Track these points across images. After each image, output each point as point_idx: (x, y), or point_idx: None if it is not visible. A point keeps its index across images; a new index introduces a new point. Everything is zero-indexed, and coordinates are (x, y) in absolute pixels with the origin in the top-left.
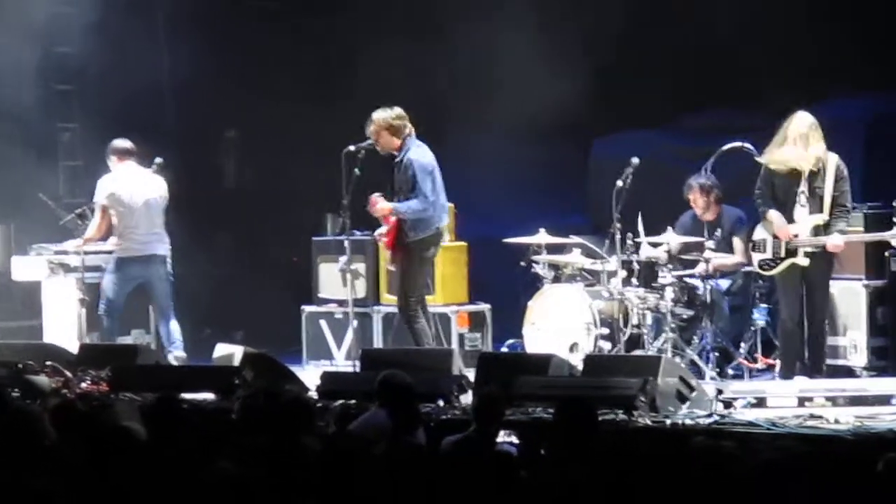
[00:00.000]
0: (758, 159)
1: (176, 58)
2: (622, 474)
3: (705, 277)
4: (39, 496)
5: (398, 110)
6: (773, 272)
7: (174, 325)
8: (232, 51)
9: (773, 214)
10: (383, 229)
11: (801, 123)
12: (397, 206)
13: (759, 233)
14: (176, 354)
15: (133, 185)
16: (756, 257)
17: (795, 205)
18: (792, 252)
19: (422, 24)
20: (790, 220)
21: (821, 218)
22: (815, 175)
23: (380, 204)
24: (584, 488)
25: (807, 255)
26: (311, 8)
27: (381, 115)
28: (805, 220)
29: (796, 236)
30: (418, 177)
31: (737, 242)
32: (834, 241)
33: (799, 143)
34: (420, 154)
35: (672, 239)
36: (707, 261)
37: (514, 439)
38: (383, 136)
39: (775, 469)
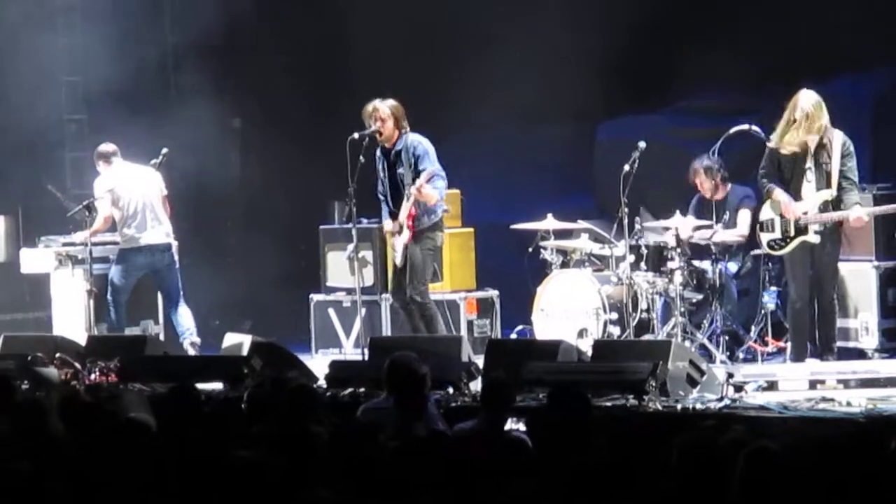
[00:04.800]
0: (770, 146)
1: (181, 49)
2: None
3: (714, 259)
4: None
5: (397, 103)
6: (783, 251)
7: (184, 311)
8: (236, 41)
9: (779, 193)
10: (389, 225)
11: (807, 102)
12: (435, 191)
13: (766, 212)
14: (192, 341)
15: (127, 179)
16: (765, 237)
17: (802, 181)
18: (802, 230)
19: (427, 9)
20: (797, 197)
21: (829, 193)
22: (821, 151)
23: (426, 188)
24: (595, 474)
25: (817, 232)
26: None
27: (390, 103)
28: (813, 196)
29: (805, 213)
30: (429, 155)
31: (742, 215)
32: (857, 214)
33: (804, 123)
34: (420, 137)
35: (681, 223)
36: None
37: (522, 426)
38: (389, 123)
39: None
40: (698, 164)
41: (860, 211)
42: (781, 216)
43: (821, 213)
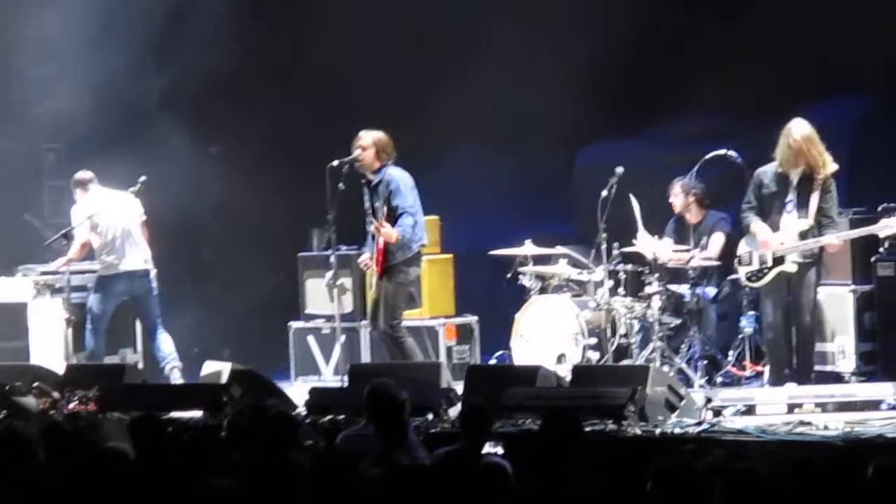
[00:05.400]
0: (760, 171)
1: (160, 77)
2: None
3: (692, 284)
4: None
5: (385, 135)
6: (761, 283)
7: (164, 338)
8: (215, 67)
9: (757, 226)
10: (366, 257)
11: (798, 130)
12: (398, 231)
13: (743, 247)
14: (174, 365)
15: (105, 205)
16: (743, 271)
17: (783, 212)
18: (779, 260)
19: (406, 38)
20: (775, 227)
21: (806, 223)
22: (805, 184)
23: (386, 227)
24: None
25: (794, 262)
26: (299, 25)
27: (375, 134)
28: (791, 226)
29: (782, 244)
30: (401, 191)
31: (714, 238)
32: (829, 240)
33: (795, 149)
34: (400, 172)
35: (658, 246)
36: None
37: (500, 450)
38: (370, 153)
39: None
40: (678, 180)
41: (832, 238)
42: (758, 248)
43: (799, 242)
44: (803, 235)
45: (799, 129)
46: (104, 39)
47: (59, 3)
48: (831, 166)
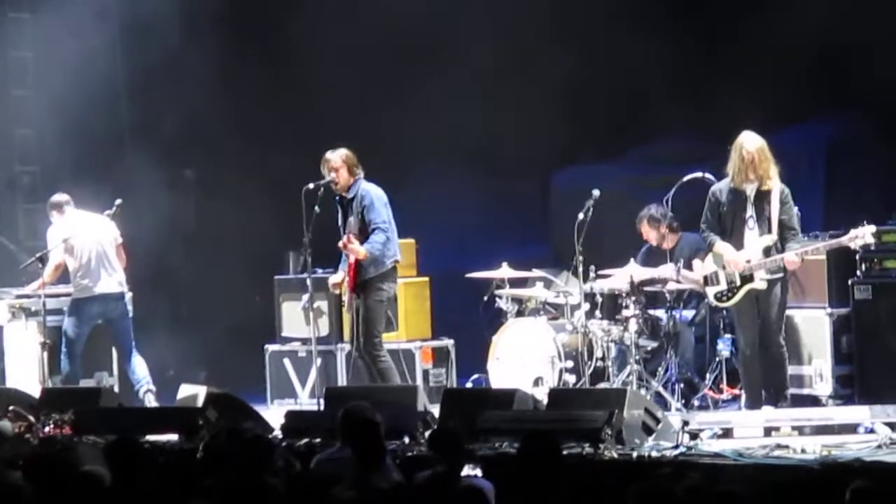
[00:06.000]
0: (714, 188)
1: (134, 99)
2: None
3: (669, 307)
4: None
5: (349, 151)
6: (731, 302)
7: (138, 361)
8: (190, 92)
9: (721, 246)
10: (337, 277)
11: (750, 143)
12: (367, 248)
13: (709, 266)
14: (148, 388)
15: (80, 228)
16: (711, 291)
17: (744, 229)
18: (748, 278)
19: (382, 59)
20: (739, 246)
21: (770, 239)
22: (761, 199)
23: (353, 244)
24: None
25: (763, 278)
26: (270, 46)
27: (341, 153)
28: (755, 243)
29: (748, 261)
30: (375, 206)
31: (697, 264)
32: (790, 258)
33: (750, 163)
34: (373, 187)
35: (634, 271)
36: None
37: (479, 472)
38: (343, 172)
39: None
40: (644, 213)
41: (792, 255)
42: (724, 268)
43: (764, 258)
44: (767, 251)
45: (751, 141)
46: (81, 63)
47: (38, 26)
48: (775, 181)
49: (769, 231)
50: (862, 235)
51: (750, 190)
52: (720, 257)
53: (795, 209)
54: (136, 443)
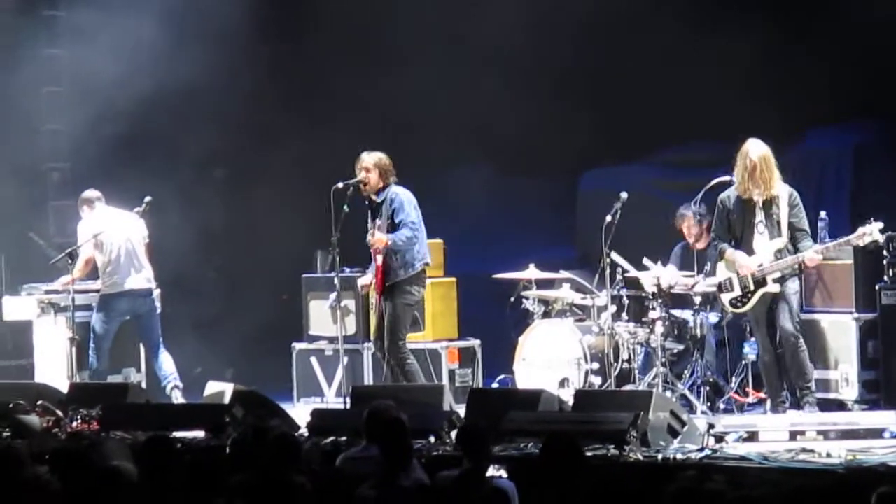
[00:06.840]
0: (722, 195)
1: (165, 97)
2: None
3: (695, 310)
4: None
5: (385, 156)
6: (746, 308)
7: (165, 357)
8: (220, 91)
9: (731, 252)
10: (366, 279)
11: (755, 151)
12: (391, 237)
13: (722, 273)
14: (175, 385)
15: (110, 225)
16: (725, 298)
17: (754, 235)
18: (761, 282)
19: (409, 62)
20: (750, 251)
21: (781, 242)
22: (770, 204)
23: (378, 234)
24: None
25: (776, 280)
26: (299, 49)
27: (376, 155)
28: (766, 247)
29: (760, 265)
30: (404, 207)
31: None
32: (810, 256)
33: (755, 171)
34: (402, 190)
35: (663, 273)
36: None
37: (504, 473)
38: (374, 175)
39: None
40: (686, 209)
41: (812, 253)
42: (738, 273)
43: (777, 261)
44: (779, 254)
45: (755, 149)
46: (110, 59)
47: (70, 23)
48: (780, 187)
49: (779, 234)
50: (869, 233)
51: (757, 195)
52: (732, 264)
53: (804, 211)
54: (170, 440)
